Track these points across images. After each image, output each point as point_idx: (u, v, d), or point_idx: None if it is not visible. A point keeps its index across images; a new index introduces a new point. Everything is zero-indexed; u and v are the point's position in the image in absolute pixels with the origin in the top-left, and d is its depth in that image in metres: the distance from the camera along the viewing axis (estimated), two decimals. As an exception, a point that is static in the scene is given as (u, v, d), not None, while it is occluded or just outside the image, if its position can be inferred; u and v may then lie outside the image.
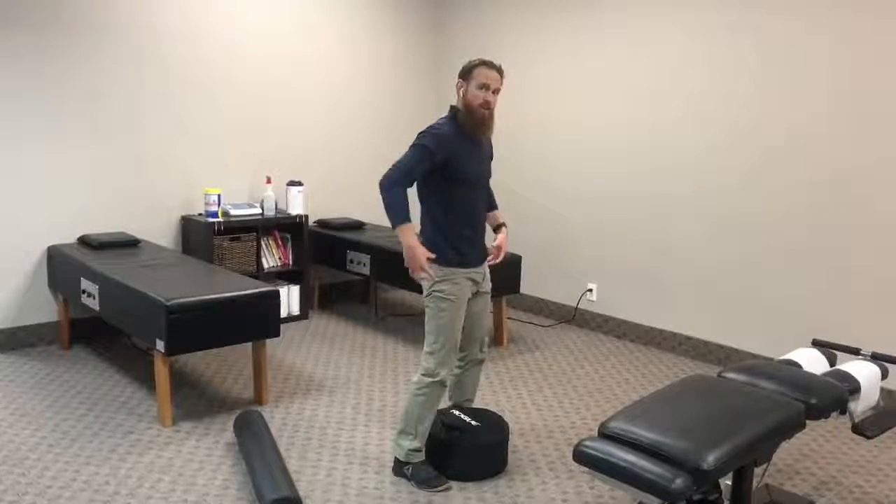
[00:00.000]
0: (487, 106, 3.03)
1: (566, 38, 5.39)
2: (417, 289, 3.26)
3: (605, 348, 5.02)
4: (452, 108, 3.12)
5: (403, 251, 2.99)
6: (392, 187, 2.95)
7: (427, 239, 3.10)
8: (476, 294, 3.20)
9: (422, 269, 2.98)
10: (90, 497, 2.94)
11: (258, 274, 5.24)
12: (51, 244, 4.69)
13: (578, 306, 5.51)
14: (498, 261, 3.27)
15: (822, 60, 4.09)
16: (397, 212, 2.95)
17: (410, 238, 2.95)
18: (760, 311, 4.47)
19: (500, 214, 3.41)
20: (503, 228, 3.33)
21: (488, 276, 3.28)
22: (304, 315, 5.49)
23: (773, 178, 4.35)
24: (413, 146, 2.99)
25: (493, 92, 3.03)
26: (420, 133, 3.03)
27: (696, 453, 2.08)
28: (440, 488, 3.06)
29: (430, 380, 3.07)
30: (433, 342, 3.08)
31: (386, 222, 6.15)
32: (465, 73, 3.05)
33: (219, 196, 5.10)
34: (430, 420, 3.12)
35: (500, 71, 3.06)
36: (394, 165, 2.99)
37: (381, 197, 3.05)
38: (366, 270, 5.20)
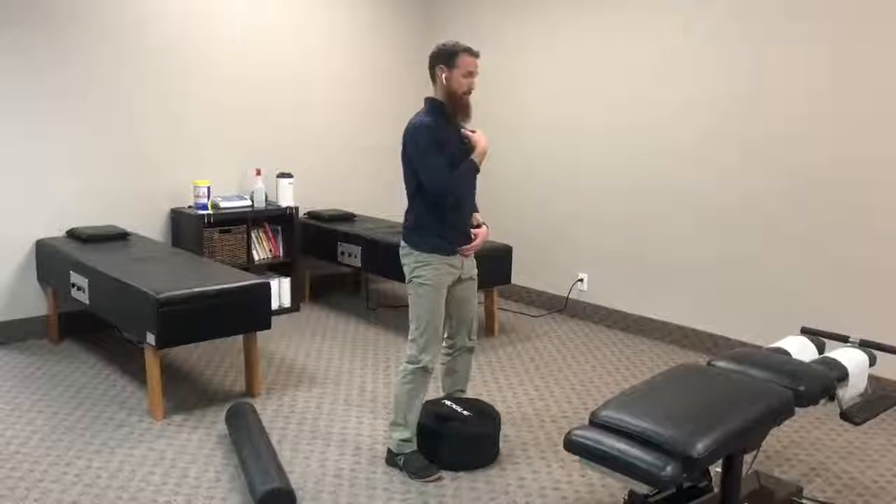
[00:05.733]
0: (471, 92, 3.07)
1: (559, 31, 5.38)
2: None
3: (596, 337, 5.03)
4: (429, 99, 3.12)
5: (483, 156, 3.09)
6: (450, 182, 2.99)
7: (412, 224, 3.12)
8: (459, 280, 3.21)
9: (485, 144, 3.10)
10: (81, 490, 2.94)
11: (249, 266, 5.22)
12: (39, 238, 4.67)
13: (569, 296, 5.52)
14: (469, 250, 3.17)
15: (821, 48, 4.10)
16: (469, 171, 3.05)
17: (477, 155, 3.08)
18: (750, 299, 4.50)
19: (479, 216, 3.31)
20: (484, 226, 3.29)
21: (472, 262, 3.27)
22: (295, 307, 5.48)
23: (764, 168, 4.36)
24: (422, 153, 2.98)
25: (475, 77, 3.08)
26: (410, 139, 3.02)
27: (685, 441, 2.09)
28: (431, 478, 3.07)
29: (414, 366, 3.09)
30: (414, 328, 3.10)
31: (376, 213, 6.15)
32: (448, 60, 3.03)
33: (208, 188, 5.08)
34: (418, 408, 3.13)
35: (478, 55, 3.08)
36: (433, 179, 2.98)
37: (451, 191, 3.04)
38: (357, 262, 5.20)
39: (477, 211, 3.28)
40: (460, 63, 3.01)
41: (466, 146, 3.12)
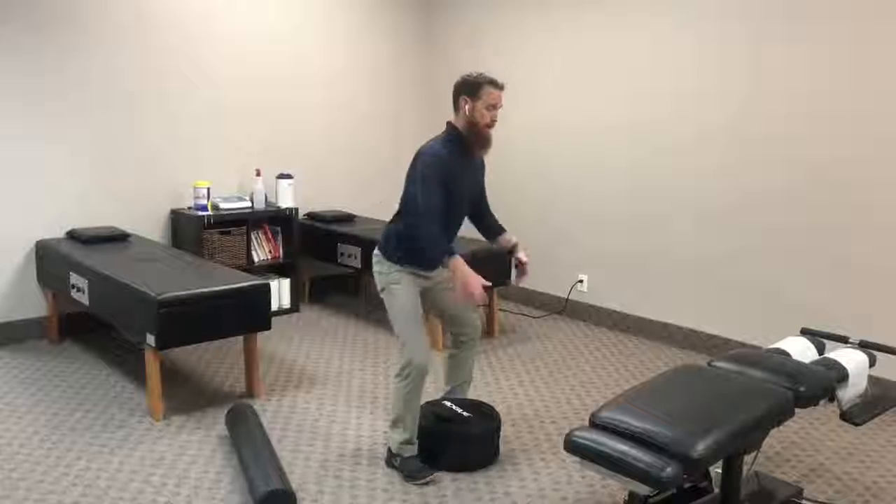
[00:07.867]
0: (493, 125, 3.06)
1: (558, 32, 5.38)
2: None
3: (596, 338, 5.03)
4: (450, 125, 3.10)
5: (459, 275, 2.91)
6: (429, 231, 2.93)
7: (391, 232, 3.15)
8: (435, 284, 3.22)
9: (477, 293, 2.90)
10: (82, 492, 2.94)
11: (249, 267, 5.22)
12: (39, 238, 4.66)
13: (569, 297, 5.52)
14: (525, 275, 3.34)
15: (821, 48, 4.10)
16: (442, 250, 2.93)
17: (464, 268, 2.90)
18: (750, 300, 4.49)
19: (511, 237, 3.38)
20: (518, 247, 3.34)
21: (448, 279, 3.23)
22: (294, 308, 5.48)
23: (764, 168, 4.36)
24: (422, 178, 2.96)
25: (498, 110, 3.08)
26: (420, 162, 2.99)
27: (685, 442, 2.09)
28: (423, 480, 3.05)
29: (408, 369, 3.09)
30: (398, 334, 3.13)
31: (376, 214, 6.14)
32: (472, 91, 3.02)
33: (208, 189, 5.08)
34: (417, 410, 3.13)
35: (503, 88, 3.08)
36: (415, 206, 2.95)
37: (415, 237, 3.00)
38: (356, 263, 5.20)
39: (504, 230, 3.36)
40: (484, 95, 3.01)
41: (473, 176, 3.15)
